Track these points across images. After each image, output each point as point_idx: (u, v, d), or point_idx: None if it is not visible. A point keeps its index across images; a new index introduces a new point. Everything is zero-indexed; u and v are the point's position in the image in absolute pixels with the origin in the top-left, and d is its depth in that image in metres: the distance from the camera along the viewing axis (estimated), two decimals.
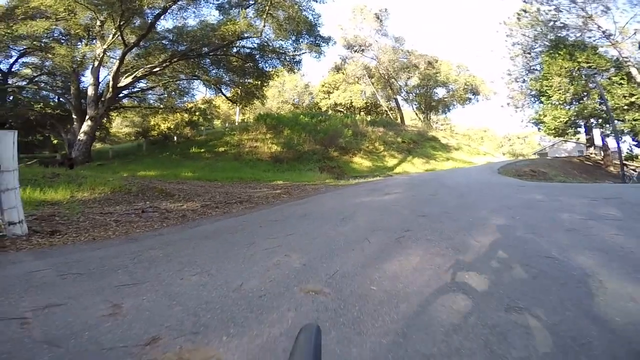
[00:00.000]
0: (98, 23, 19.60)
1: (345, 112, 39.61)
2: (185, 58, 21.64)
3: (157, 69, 21.41)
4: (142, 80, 24.81)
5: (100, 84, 22.08)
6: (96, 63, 20.58)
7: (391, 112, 45.08)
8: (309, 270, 2.71)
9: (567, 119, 23.63)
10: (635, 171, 16.73)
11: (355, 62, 40.14)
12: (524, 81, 31.71)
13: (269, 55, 24.09)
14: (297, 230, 4.43)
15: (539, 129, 29.88)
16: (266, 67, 25.03)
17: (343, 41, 37.38)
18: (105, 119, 32.47)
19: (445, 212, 5.32)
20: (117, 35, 18.82)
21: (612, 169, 26.03)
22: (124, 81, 21.40)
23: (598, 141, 31.62)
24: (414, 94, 44.47)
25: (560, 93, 23.46)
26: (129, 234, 4.62)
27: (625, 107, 21.78)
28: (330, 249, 3.33)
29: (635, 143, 30.64)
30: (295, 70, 27.06)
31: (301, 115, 29.19)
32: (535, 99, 29.50)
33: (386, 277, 2.51)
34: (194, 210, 7.05)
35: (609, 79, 21.92)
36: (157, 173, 15.42)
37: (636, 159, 41.22)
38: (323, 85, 49.68)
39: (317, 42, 22.97)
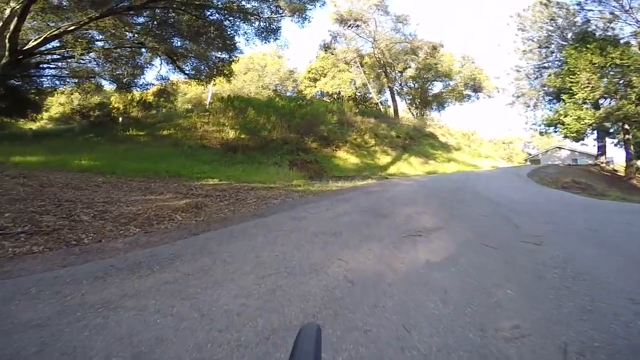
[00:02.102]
0: None
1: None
2: (113, 13, 15.95)
3: (73, 27, 15.60)
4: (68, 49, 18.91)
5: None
6: None
7: (382, 107, 40.40)
8: None
9: (594, 120, 19.56)
10: None
11: (347, 41, 34.74)
12: (536, 77, 27.89)
13: (237, 18, 18.72)
14: None
15: (553, 131, 25.88)
16: (233, 33, 19.64)
17: (335, 16, 32.04)
18: (37, 96, 26.29)
19: None
20: None
21: (635, 182, 22.29)
22: (30, 44, 15.57)
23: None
24: (409, 87, 39.93)
25: (587, 91, 19.40)
26: None
27: None
28: None
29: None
30: (271, 40, 21.69)
31: (277, 99, 24.06)
32: (551, 97, 25.60)
33: None
34: None
35: None
36: (41, 159, 10.00)
37: None
38: (309, 71, 43.92)
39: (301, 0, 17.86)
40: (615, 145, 30.10)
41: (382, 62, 32.34)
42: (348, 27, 30.68)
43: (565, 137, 23.05)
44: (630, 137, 21.80)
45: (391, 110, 35.81)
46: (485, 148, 38.54)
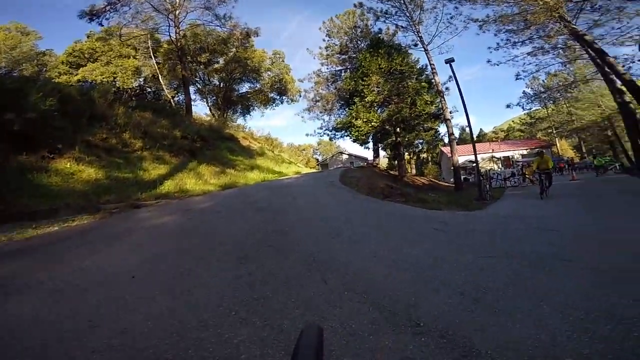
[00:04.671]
0: None
1: None
2: None
3: None
4: None
5: None
6: None
7: (180, 107, 32.77)
8: None
9: (378, 123, 20.85)
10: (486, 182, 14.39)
11: (140, 16, 24.28)
12: (333, 82, 29.01)
13: None
14: None
15: (342, 135, 27.24)
16: None
17: None
18: None
19: None
20: None
21: (406, 179, 26.06)
22: None
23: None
24: (214, 85, 34.34)
25: (375, 94, 20.53)
26: None
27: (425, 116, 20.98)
28: None
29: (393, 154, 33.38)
30: None
31: None
32: (344, 102, 26.96)
33: None
34: None
35: (419, 83, 20.82)
36: None
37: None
38: (71, 54, 31.90)
39: None
40: (382, 148, 36.15)
41: (180, 44, 24.80)
42: None
43: (355, 140, 24.20)
44: (400, 139, 24.99)
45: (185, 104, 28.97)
46: (287, 154, 38.26)
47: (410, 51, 22.10)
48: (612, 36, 15.58)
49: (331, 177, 13.13)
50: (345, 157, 61.48)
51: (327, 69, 29.23)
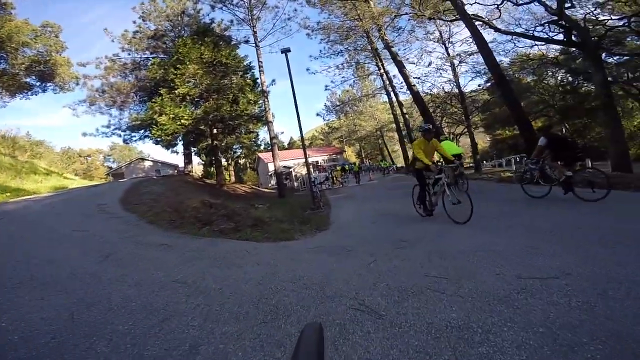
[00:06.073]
0: None
1: None
2: None
3: None
4: None
5: None
6: None
7: None
8: None
9: (190, 121, 16.76)
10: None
11: None
12: (133, 69, 22.62)
13: None
14: None
15: (140, 137, 21.12)
16: None
17: None
18: None
19: None
20: None
21: (226, 189, 22.93)
22: None
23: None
24: None
25: (190, 86, 16.68)
26: None
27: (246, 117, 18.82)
28: None
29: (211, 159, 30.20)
30: None
31: None
32: (145, 95, 21.07)
33: None
34: None
35: (244, 80, 18.37)
36: None
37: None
38: None
39: None
40: (196, 153, 31.40)
41: None
42: None
43: (158, 142, 18.84)
44: (218, 142, 21.79)
45: None
46: (50, 160, 26.62)
47: (240, 46, 19.94)
48: (399, 57, 18.68)
49: (110, 195, 8.17)
50: (148, 164, 51.06)
51: (130, 54, 22.58)
